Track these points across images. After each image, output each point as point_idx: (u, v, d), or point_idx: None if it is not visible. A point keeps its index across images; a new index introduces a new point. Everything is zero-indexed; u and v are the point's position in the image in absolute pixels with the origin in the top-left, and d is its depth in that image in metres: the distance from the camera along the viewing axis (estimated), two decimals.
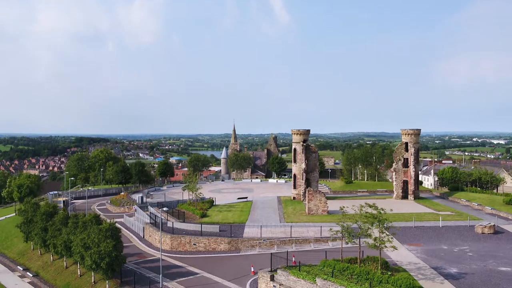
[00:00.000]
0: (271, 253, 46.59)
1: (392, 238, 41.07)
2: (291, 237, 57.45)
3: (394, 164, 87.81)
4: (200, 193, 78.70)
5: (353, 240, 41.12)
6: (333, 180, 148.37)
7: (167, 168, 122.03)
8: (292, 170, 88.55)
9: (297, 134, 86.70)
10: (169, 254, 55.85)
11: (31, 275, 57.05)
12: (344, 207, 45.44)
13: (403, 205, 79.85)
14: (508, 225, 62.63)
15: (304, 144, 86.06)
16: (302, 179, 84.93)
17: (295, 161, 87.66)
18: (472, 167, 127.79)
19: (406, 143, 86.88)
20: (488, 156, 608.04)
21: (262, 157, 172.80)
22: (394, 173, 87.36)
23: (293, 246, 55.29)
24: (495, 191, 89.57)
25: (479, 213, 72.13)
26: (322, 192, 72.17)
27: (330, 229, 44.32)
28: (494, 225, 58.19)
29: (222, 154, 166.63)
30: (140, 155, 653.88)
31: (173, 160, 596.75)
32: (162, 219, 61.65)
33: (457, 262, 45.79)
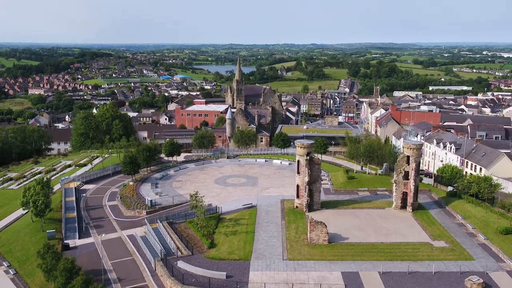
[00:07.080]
0: None
1: None
2: None
3: (395, 175, 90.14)
4: (203, 200, 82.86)
5: None
6: (336, 149, 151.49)
7: (174, 148, 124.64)
8: (295, 181, 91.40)
9: (301, 147, 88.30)
10: None
11: None
12: None
13: (399, 223, 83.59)
14: (496, 273, 66.43)
15: (308, 157, 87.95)
16: (305, 191, 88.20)
17: (298, 172, 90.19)
18: (474, 145, 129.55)
19: (408, 157, 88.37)
20: (497, 73, 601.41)
21: (266, 116, 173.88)
22: (394, 184, 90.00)
23: None
24: (495, 193, 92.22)
25: (472, 243, 75.77)
26: (324, 223, 75.74)
27: None
28: (483, 282, 62.33)
29: (227, 115, 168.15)
30: (144, 71, 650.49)
31: (177, 78, 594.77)
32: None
33: None
